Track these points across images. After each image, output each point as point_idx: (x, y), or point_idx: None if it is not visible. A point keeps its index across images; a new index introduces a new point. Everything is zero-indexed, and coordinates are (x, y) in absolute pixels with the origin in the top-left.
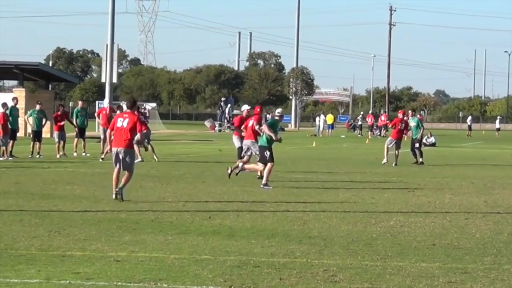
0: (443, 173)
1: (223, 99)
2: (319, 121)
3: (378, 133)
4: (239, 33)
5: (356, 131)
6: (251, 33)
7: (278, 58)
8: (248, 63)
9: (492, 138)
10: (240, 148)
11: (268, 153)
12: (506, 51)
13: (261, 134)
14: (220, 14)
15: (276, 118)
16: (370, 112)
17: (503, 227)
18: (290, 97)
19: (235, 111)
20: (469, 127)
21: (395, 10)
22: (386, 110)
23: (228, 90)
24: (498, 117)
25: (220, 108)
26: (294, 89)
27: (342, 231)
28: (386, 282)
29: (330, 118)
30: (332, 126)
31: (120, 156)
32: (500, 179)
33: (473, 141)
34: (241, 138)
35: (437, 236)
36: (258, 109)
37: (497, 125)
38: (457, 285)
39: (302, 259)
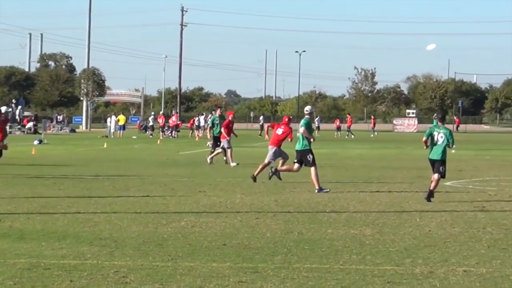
0: (234, 173)
1: (14, 100)
2: (110, 122)
3: (170, 134)
4: (30, 34)
5: (147, 132)
6: (42, 35)
7: (70, 59)
8: (39, 64)
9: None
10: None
11: (311, 156)
12: (296, 51)
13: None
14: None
15: (307, 117)
16: (161, 112)
17: (293, 226)
18: (81, 98)
19: (26, 113)
20: (261, 126)
21: (186, 11)
22: (178, 110)
23: (19, 91)
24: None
25: (11, 110)
26: (85, 90)
27: (133, 232)
28: (177, 283)
29: (121, 119)
30: (123, 127)
31: None
32: (290, 178)
33: (264, 140)
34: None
35: (228, 236)
36: (287, 119)
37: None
38: (248, 285)
39: (93, 260)
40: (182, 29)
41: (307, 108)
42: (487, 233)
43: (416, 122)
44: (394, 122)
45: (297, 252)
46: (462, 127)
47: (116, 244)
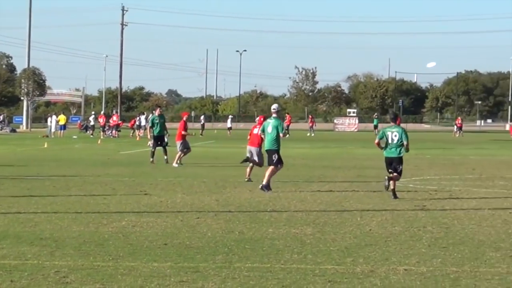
0: (175, 172)
1: None
2: (51, 121)
3: (110, 133)
4: None
5: (88, 132)
6: None
7: (10, 58)
8: None
9: (224, 137)
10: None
11: (276, 156)
12: (237, 51)
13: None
14: None
15: (275, 115)
16: (102, 112)
17: (234, 225)
18: (22, 98)
19: None
20: (202, 126)
21: (127, 10)
22: (119, 110)
23: None
24: (230, 116)
25: None
26: (25, 90)
27: (74, 232)
28: (118, 283)
29: (62, 119)
30: (64, 127)
31: None
32: (232, 178)
33: (205, 140)
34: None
35: (169, 235)
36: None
37: (229, 124)
38: (189, 284)
39: (34, 261)
40: (122, 29)
41: (275, 106)
42: (428, 232)
43: (357, 121)
44: (335, 121)
45: (238, 252)
46: (402, 126)
47: (56, 244)
